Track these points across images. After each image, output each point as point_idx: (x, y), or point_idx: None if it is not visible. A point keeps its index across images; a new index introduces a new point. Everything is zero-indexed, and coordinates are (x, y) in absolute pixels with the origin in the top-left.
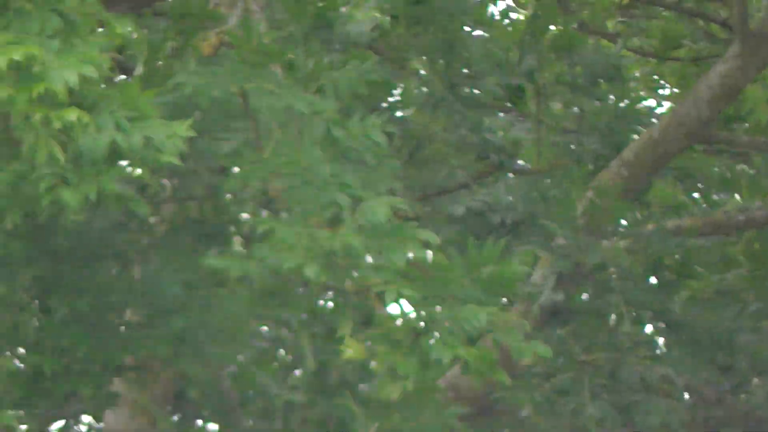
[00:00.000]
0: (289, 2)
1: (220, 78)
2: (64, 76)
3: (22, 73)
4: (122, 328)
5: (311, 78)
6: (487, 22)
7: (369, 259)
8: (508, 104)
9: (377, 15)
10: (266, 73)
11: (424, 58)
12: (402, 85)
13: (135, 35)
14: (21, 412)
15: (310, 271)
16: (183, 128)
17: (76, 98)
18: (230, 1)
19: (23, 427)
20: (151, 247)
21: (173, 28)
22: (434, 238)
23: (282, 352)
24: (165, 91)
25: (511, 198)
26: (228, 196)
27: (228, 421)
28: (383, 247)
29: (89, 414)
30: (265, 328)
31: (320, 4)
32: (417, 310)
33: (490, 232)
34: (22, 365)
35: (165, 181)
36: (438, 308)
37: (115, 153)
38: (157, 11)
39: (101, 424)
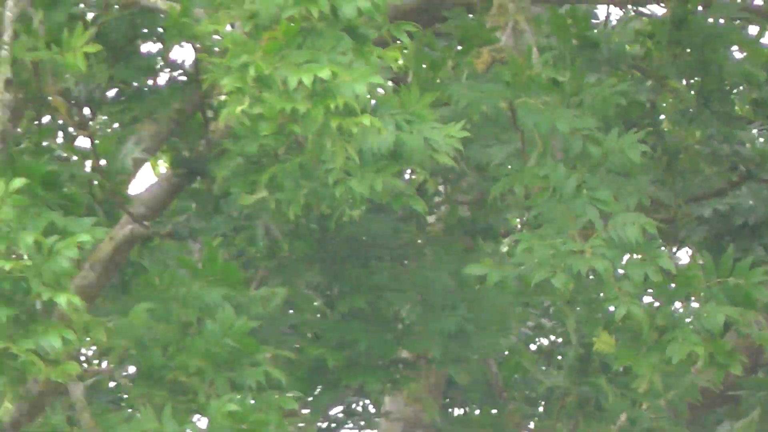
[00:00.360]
0: (557, 22)
1: (490, 93)
2: (355, 88)
3: (315, 87)
4: (399, 325)
5: (574, 94)
6: (741, 43)
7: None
8: (758, 118)
9: (640, 36)
10: (534, 90)
11: (682, 79)
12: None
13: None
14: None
15: (558, 282)
16: (457, 130)
17: (360, 101)
18: (502, 21)
19: (305, 411)
20: (426, 246)
21: (452, 47)
22: (671, 265)
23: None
24: (438, 104)
25: (751, 202)
26: (496, 200)
27: (494, 406)
28: (627, 261)
29: (369, 400)
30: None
31: (582, 23)
32: (661, 310)
33: (733, 233)
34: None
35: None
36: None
37: (394, 152)
38: (437, 31)
39: (382, 409)
